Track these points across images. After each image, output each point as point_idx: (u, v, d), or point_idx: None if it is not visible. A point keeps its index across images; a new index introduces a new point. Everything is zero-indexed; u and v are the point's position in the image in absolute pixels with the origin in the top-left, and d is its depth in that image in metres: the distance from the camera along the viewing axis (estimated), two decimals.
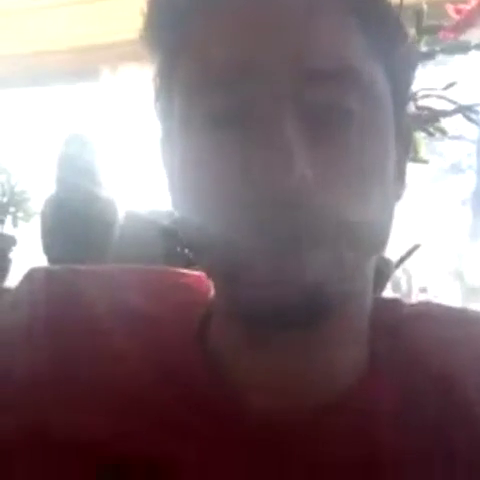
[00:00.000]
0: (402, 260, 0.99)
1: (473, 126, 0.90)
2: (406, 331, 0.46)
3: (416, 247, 1.00)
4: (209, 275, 0.44)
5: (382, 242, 0.43)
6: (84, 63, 2.08)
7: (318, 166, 0.37)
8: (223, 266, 0.40)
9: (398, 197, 0.46)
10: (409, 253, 0.98)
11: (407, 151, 0.47)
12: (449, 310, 0.51)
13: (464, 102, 0.89)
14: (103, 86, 2.12)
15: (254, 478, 0.41)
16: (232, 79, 0.38)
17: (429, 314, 0.49)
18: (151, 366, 0.45)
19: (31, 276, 0.52)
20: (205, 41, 0.40)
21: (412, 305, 0.50)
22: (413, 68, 0.47)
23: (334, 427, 0.42)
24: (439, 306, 0.51)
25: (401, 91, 0.44)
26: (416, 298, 1.91)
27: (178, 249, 0.95)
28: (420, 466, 0.41)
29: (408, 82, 0.46)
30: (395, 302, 0.50)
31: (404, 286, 1.86)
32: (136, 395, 0.44)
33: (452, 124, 0.91)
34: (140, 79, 1.91)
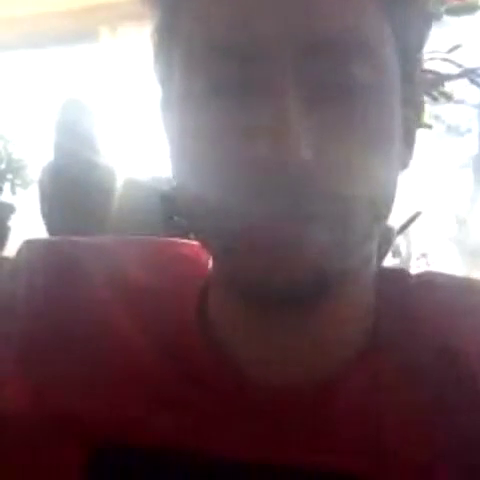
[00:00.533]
0: (403, 227, 0.99)
1: (474, 90, 0.89)
2: (411, 302, 0.46)
3: (417, 214, 0.99)
4: (206, 246, 0.44)
5: (387, 211, 0.42)
6: (83, 24, 2.04)
7: (321, 136, 0.36)
8: (220, 237, 0.39)
9: (405, 165, 0.44)
10: (410, 220, 0.98)
11: (417, 118, 0.46)
12: (454, 280, 0.50)
13: (469, 65, 0.87)
14: (102, 47, 2.09)
15: (255, 451, 0.41)
16: (234, 47, 0.37)
17: (434, 284, 0.48)
18: (150, 339, 0.45)
19: (28, 247, 0.51)
20: (206, 5, 0.39)
21: (417, 275, 0.49)
22: (425, 30, 0.44)
23: (335, 400, 0.42)
24: (444, 276, 0.50)
25: (410, 54, 0.42)
26: (416, 264, 1.92)
27: (176, 218, 0.94)
28: (422, 439, 0.41)
29: (418, 45, 0.44)
30: (401, 273, 0.49)
31: (404, 252, 1.87)
32: (134, 369, 0.44)
33: (453, 87, 0.89)
34: (140, 40, 1.87)
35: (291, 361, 0.42)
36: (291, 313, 0.41)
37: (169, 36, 0.42)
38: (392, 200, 0.42)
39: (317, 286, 0.38)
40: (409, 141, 0.44)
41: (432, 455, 0.40)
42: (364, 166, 0.38)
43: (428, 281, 0.48)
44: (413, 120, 0.44)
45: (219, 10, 0.38)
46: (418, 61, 0.45)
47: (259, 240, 0.37)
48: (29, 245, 0.51)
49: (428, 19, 0.44)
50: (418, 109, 0.46)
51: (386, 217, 0.42)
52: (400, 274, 0.49)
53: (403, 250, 1.87)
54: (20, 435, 0.44)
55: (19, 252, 0.51)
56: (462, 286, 0.49)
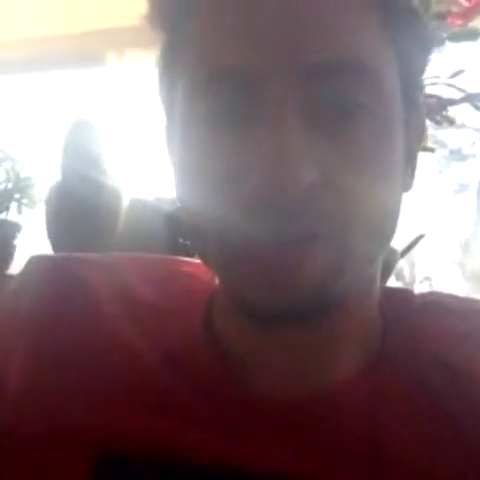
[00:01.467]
0: (407, 250, 0.99)
1: (477, 114, 0.89)
2: (417, 321, 0.46)
3: (421, 237, 0.99)
4: (209, 266, 0.44)
5: (390, 234, 0.42)
6: (90, 48, 2.07)
7: (324, 164, 0.37)
8: (222, 258, 0.40)
9: (407, 188, 0.45)
10: (414, 243, 0.98)
11: (419, 142, 0.46)
12: (458, 300, 0.51)
13: (471, 90, 0.88)
14: (109, 72, 2.11)
15: (259, 462, 0.41)
16: (233, 74, 0.38)
17: (439, 305, 0.49)
18: (156, 353, 0.45)
19: (33, 263, 0.52)
20: (207, 33, 0.39)
21: (422, 295, 0.50)
22: (426, 55, 0.45)
23: (340, 411, 0.42)
24: (448, 296, 0.51)
25: (412, 79, 0.43)
26: (419, 287, 1.91)
27: (181, 240, 0.95)
28: (423, 454, 0.41)
29: (420, 70, 0.44)
30: (405, 292, 0.50)
31: (407, 275, 1.86)
32: (142, 382, 0.44)
33: (456, 112, 0.90)
34: (146, 65, 1.90)
35: (295, 374, 0.43)
36: (294, 329, 0.42)
37: (172, 62, 0.43)
38: (395, 223, 0.42)
39: (318, 306, 0.39)
40: (411, 164, 0.45)
41: (433, 469, 0.40)
42: (365, 190, 0.38)
43: (433, 301, 0.49)
44: (415, 144, 0.45)
45: (219, 38, 0.39)
46: (420, 86, 0.46)
47: (261, 261, 0.38)
48: (35, 260, 0.52)
49: (429, 44, 0.44)
50: (421, 133, 0.46)
51: (389, 240, 0.43)
52: (405, 294, 0.49)
53: (406, 273, 1.86)
54: (26, 447, 0.44)
55: (25, 267, 0.52)
56: (466, 306, 0.50)
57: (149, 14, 0.43)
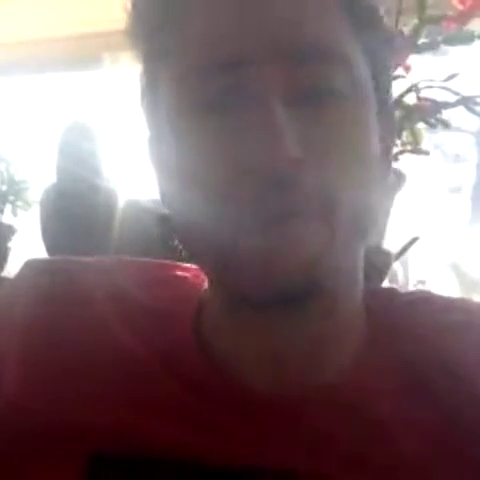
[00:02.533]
0: (401, 252, 0.99)
1: (472, 118, 0.90)
2: (403, 314, 0.47)
3: (415, 239, 1.00)
4: (201, 262, 0.45)
5: (369, 222, 0.43)
6: (86, 51, 2.07)
7: (308, 145, 0.38)
8: (216, 246, 0.40)
9: (384, 177, 0.46)
10: (408, 245, 0.98)
11: (391, 132, 0.48)
12: (445, 297, 0.52)
13: (466, 93, 0.88)
14: (105, 74, 2.11)
15: (253, 458, 0.41)
16: (221, 62, 0.39)
17: (425, 300, 0.50)
18: (148, 354, 0.45)
19: (28, 266, 0.52)
20: (193, 22, 0.41)
21: (409, 293, 0.51)
22: (389, 51, 0.48)
23: (333, 404, 0.43)
24: (435, 294, 0.52)
25: (380, 72, 0.45)
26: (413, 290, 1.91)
27: (173, 241, 0.95)
28: (417, 449, 0.42)
29: (387, 63, 0.47)
30: (390, 290, 0.51)
31: (401, 278, 1.87)
32: (133, 382, 0.44)
33: (451, 115, 0.90)
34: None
35: (287, 366, 0.44)
36: (285, 317, 0.42)
37: (155, 62, 0.44)
38: (374, 212, 0.43)
39: (311, 282, 0.39)
40: (385, 153, 0.46)
41: (425, 455, 0.41)
42: (349, 173, 0.40)
43: (419, 298, 0.50)
44: (387, 134, 0.47)
45: (206, 28, 0.41)
46: (389, 79, 0.49)
47: (254, 242, 0.39)
48: (30, 263, 0.52)
49: (391, 37, 0.49)
50: (391, 124, 0.49)
51: (368, 228, 0.43)
52: (390, 292, 0.50)
53: (400, 276, 1.87)
54: (19, 448, 0.44)
55: (20, 270, 0.52)
56: (451, 302, 0.51)
57: (130, 27, 0.45)
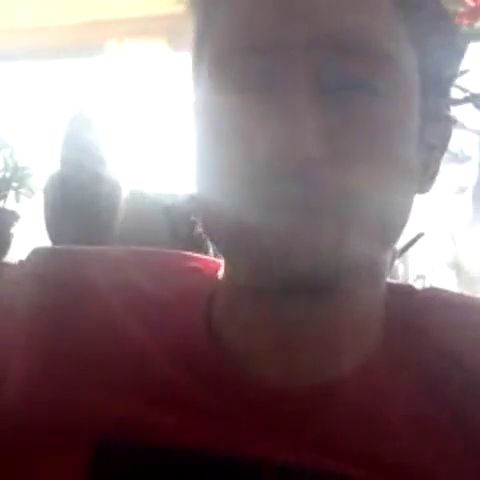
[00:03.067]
0: (406, 248, 0.99)
1: (476, 116, 0.89)
2: (418, 313, 0.47)
3: (420, 235, 1.00)
4: (223, 249, 0.44)
5: (393, 230, 0.42)
6: (90, 38, 2.06)
7: (332, 140, 0.37)
8: (234, 239, 0.40)
9: (422, 190, 0.45)
10: (413, 241, 0.98)
11: (443, 146, 0.45)
12: (458, 296, 0.52)
13: (475, 90, 0.88)
14: (109, 61, 2.10)
15: (263, 449, 0.41)
16: (254, 47, 0.39)
17: (440, 299, 0.49)
18: (157, 344, 0.45)
19: (35, 255, 0.52)
20: (234, 7, 0.41)
21: (423, 290, 0.50)
22: (453, 61, 0.44)
23: (344, 400, 0.42)
24: (449, 292, 0.51)
25: (434, 77, 0.42)
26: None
27: (185, 229, 0.95)
28: (426, 447, 0.41)
29: (444, 75, 0.44)
30: (407, 287, 0.50)
31: (401, 273, 1.87)
32: (142, 372, 0.44)
33: (457, 113, 0.90)
34: (146, 55, 1.89)
35: (298, 361, 0.43)
36: (299, 311, 0.42)
37: (203, 37, 0.44)
38: (400, 220, 0.42)
39: (325, 278, 0.39)
40: (429, 167, 0.44)
41: (434, 463, 0.41)
42: (370, 174, 0.38)
43: (434, 296, 0.50)
44: (438, 147, 0.44)
45: (244, 13, 0.40)
46: (445, 93, 0.45)
47: (275, 229, 0.38)
48: (37, 252, 0.52)
49: (457, 51, 0.44)
50: (444, 138, 0.46)
51: (392, 235, 0.42)
52: (407, 288, 0.50)
53: (400, 271, 1.87)
54: (26, 440, 0.44)
55: (27, 259, 0.52)
56: (466, 301, 0.51)
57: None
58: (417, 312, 0.47)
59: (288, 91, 0.37)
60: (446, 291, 0.51)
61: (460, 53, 0.45)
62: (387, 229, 0.41)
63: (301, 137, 0.36)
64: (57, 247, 0.59)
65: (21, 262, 0.53)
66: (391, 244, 0.44)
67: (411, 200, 0.43)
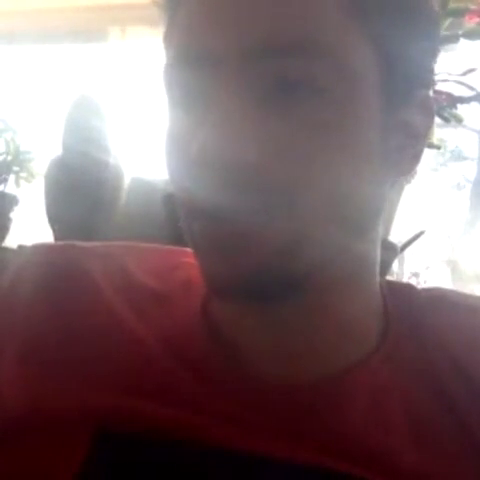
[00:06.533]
0: (406, 245, 0.99)
1: (476, 115, 0.89)
2: (421, 314, 0.47)
3: (421, 233, 1.00)
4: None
5: (354, 218, 0.41)
6: (93, 24, 2.05)
7: (271, 139, 0.38)
8: (189, 236, 0.42)
9: (402, 172, 0.44)
10: (414, 239, 0.98)
11: (424, 128, 0.44)
12: (462, 296, 0.51)
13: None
14: (111, 47, 2.09)
15: (262, 444, 0.41)
16: (192, 56, 0.40)
17: (444, 299, 0.49)
18: (155, 339, 0.45)
19: (34, 251, 0.52)
20: (182, 15, 0.42)
21: (426, 290, 0.50)
22: (422, 48, 0.42)
23: (343, 397, 0.42)
24: (452, 292, 0.51)
25: (401, 69, 0.41)
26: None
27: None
28: (427, 445, 0.42)
29: (414, 61, 0.42)
30: (409, 287, 0.50)
31: (396, 270, 1.87)
32: (140, 367, 0.44)
33: (460, 111, 0.90)
34: (149, 41, 1.88)
35: (290, 361, 0.44)
36: (273, 310, 0.42)
37: (165, 46, 0.44)
38: (361, 208, 0.41)
39: (275, 282, 0.39)
40: (404, 149, 0.43)
41: (434, 461, 0.41)
42: (316, 167, 0.38)
43: (438, 296, 0.49)
44: (412, 129, 0.43)
45: (185, 22, 0.41)
46: (424, 82, 0.43)
47: (214, 233, 0.39)
48: (36, 248, 0.52)
49: (424, 33, 0.42)
50: (425, 128, 0.44)
51: (355, 224, 0.41)
52: (409, 289, 0.50)
53: (395, 268, 1.88)
54: (23, 431, 0.44)
55: (26, 255, 0.52)
56: (470, 302, 0.50)
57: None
58: (423, 311, 0.47)
59: (222, 101, 0.38)
60: (452, 291, 0.51)
61: (431, 42, 0.43)
62: (348, 217, 0.40)
63: (229, 141, 0.37)
64: (54, 243, 0.59)
65: (20, 254, 0.53)
66: (360, 233, 0.42)
67: (378, 184, 0.42)
